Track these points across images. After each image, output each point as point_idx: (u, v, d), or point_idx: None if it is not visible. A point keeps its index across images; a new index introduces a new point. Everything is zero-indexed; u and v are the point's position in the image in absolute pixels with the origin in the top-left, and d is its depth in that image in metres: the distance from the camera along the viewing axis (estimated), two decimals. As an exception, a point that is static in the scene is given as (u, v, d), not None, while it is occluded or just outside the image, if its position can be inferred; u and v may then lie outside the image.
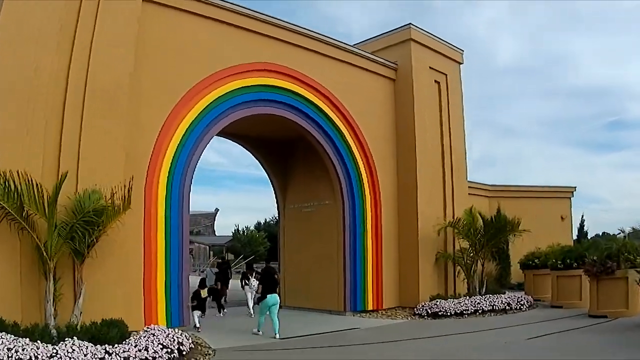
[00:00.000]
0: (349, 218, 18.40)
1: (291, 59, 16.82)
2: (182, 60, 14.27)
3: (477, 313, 17.34)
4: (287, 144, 20.65)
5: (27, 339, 8.90)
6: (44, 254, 10.39)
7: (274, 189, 21.46)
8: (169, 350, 10.01)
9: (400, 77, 20.26)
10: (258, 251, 52.05)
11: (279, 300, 14.53)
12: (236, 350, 12.18)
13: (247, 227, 59.53)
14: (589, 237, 37.22)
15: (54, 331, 9.93)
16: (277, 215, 22.20)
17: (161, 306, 13.25)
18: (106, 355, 9.05)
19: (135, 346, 9.63)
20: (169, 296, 13.40)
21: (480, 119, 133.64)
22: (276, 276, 18.99)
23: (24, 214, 10.32)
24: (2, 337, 8.67)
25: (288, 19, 16.81)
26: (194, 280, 18.09)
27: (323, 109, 17.68)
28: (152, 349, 9.69)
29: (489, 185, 28.46)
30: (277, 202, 21.57)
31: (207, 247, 59.06)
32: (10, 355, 8.26)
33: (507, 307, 17.91)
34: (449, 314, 17.09)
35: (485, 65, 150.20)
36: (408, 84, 19.96)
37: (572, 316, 16.49)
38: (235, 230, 59.23)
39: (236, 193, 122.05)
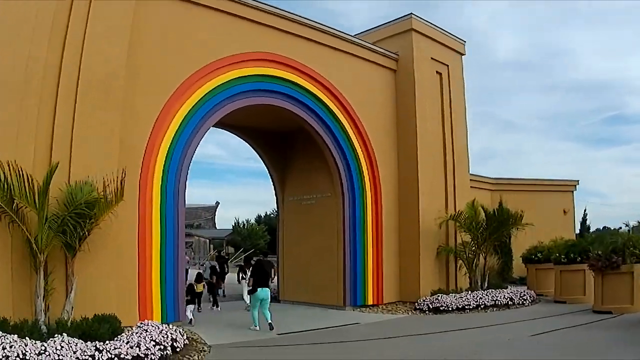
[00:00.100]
0: (348, 211, 18.11)
1: (290, 49, 16.48)
2: (179, 50, 13.94)
3: (479, 308, 17.03)
4: (286, 135, 20.37)
5: (16, 335, 8.62)
6: (34, 247, 10.11)
7: (273, 181, 21.15)
8: (162, 347, 9.70)
9: (402, 67, 19.92)
10: (258, 244, 51.91)
11: (269, 294, 14.36)
12: (232, 347, 11.88)
13: (247, 221, 59.42)
14: (590, 232, 37.05)
15: (44, 327, 9.69)
16: (276, 208, 21.92)
17: (156, 301, 12.97)
18: (96, 352, 8.75)
19: (127, 343, 9.34)
20: (164, 291, 13.11)
21: (480, 113, 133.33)
22: (272, 270, 18.90)
23: (14, 207, 10.06)
24: (-10, 333, 8.39)
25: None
26: (194, 274, 18.00)
27: (323, 99, 17.35)
28: (144, 345, 9.39)
29: (491, 178, 28.16)
30: (276, 195, 21.27)
31: (207, 240, 58.85)
32: (-3, 352, 7.98)
33: (509, 302, 17.61)
34: (450, 309, 16.79)
35: (485, 60, 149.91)
36: (409, 74, 19.62)
37: (576, 312, 16.19)
38: (235, 223, 59.05)
39: (236, 186, 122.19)
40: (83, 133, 11.39)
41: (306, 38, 17.04)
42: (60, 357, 8.33)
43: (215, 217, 72.11)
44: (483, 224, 19.21)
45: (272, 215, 55.88)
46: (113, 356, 8.86)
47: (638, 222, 22.28)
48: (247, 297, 17.91)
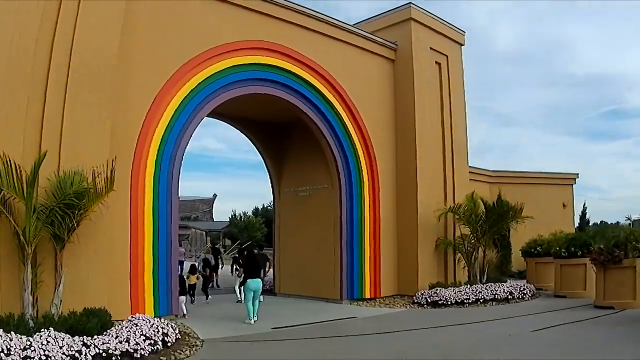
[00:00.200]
0: (346, 202, 17.81)
1: (287, 37, 16.11)
2: (172, 38, 13.60)
3: (479, 302, 16.76)
4: (282, 126, 20.06)
5: (1, 330, 8.36)
6: (22, 239, 9.81)
7: (269, 173, 20.81)
8: (152, 342, 9.42)
9: (400, 57, 19.57)
10: (255, 237, 51.78)
11: (261, 286, 14.18)
12: (225, 342, 11.58)
13: (244, 213, 59.17)
14: (589, 226, 36.88)
15: (31, 322, 9.39)
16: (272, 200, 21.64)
17: (149, 294, 12.70)
18: (83, 347, 8.47)
19: (116, 337, 9.06)
20: (156, 284, 12.84)
21: (478, 107, 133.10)
22: (268, 263, 18.68)
23: (1, 197, 9.79)
24: (-26, 328, 8.11)
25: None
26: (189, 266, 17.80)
27: (320, 89, 17.01)
28: (134, 340, 9.11)
29: (490, 170, 27.84)
30: (272, 186, 20.93)
31: (204, 232, 58.66)
32: (-20, 347, 7.69)
33: (509, 297, 17.32)
34: (449, 302, 16.54)
35: (484, 53, 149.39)
36: (408, 64, 19.27)
37: (577, 307, 15.93)
38: (232, 215, 58.79)
39: (234, 179, 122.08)
40: (73, 123, 11.11)
41: (303, 26, 16.67)
42: (46, 353, 8.05)
43: (213, 209, 71.89)
44: (482, 216, 18.95)
45: (269, 207, 55.62)
46: (101, 351, 8.59)
47: (640, 216, 21.82)
48: (238, 290, 17.73)
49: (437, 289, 17.24)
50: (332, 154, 17.62)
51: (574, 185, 30.09)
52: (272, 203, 21.89)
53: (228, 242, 56.82)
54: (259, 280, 14.18)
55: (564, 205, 29.15)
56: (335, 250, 17.76)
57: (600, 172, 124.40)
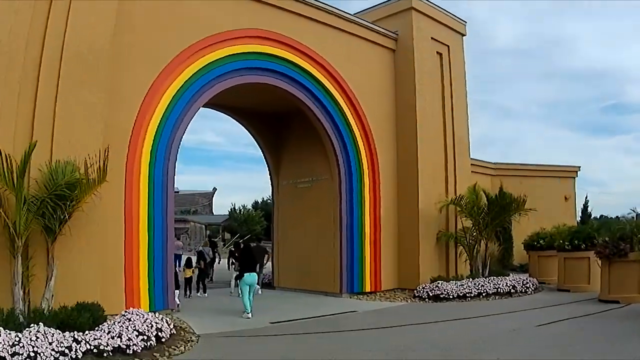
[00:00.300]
0: (346, 194, 17.51)
1: (286, 26, 15.78)
2: (168, 26, 13.27)
3: (481, 296, 16.49)
4: (281, 116, 19.71)
5: (-10, 325, 8.07)
6: (12, 231, 9.51)
7: (268, 164, 20.53)
8: (145, 337, 9.13)
9: (401, 47, 19.24)
10: (255, 230, 51.52)
11: (256, 280, 14.03)
12: (221, 337, 11.28)
13: (244, 206, 58.89)
14: (592, 219, 36.58)
15: (21, 317, 9.09)
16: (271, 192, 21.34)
17: (143, 288, 12.42)
18: (74, 343, 8.18)
19: (108, 333, 8.77)
20: (152, 278, 12.56)
21: (479, 100, 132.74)
22: (266, 256, 18.42)
23: (-10, 188, 9.46)
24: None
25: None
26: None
27: (320, 79, 16.68)
28: (126, 335, 8.82)
29: (491, 163, 27.53)
30: (271, 178, 20.66)
31: (204, 226, 58.47)
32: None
33: (512, 290, 17.05)
34: (451, 296, 16.23)
35: (484, 47, 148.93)
36: (409, 54, 18.94)
37: (582, 301, 15.65)
38: (231, 209, 58.57)
39: (234, 172, 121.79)
40: (66, 112, 10.79)
41: (303, 15, 16.35)
42: (35, 349, 7.76)
43: (212, 203, 71.80)
44: (485, 208, 18.66)
45: (269, 201, 55.31)
46: (92, 347, 8.32)
47: (644, 209, 21.49)
48: (233, 284, 17.50)
49: (438, 283, 16.93)
50: (331, 145, 17.31)
51: (575, 179, 29.82)
52: (271, 196, 21.59)
53: (227, 235, 56.60)
54: (255, 274, 13.97)
55: (565, 198, 28.87)
56: (335, 243, 17.48)
57: (600, 165, 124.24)
